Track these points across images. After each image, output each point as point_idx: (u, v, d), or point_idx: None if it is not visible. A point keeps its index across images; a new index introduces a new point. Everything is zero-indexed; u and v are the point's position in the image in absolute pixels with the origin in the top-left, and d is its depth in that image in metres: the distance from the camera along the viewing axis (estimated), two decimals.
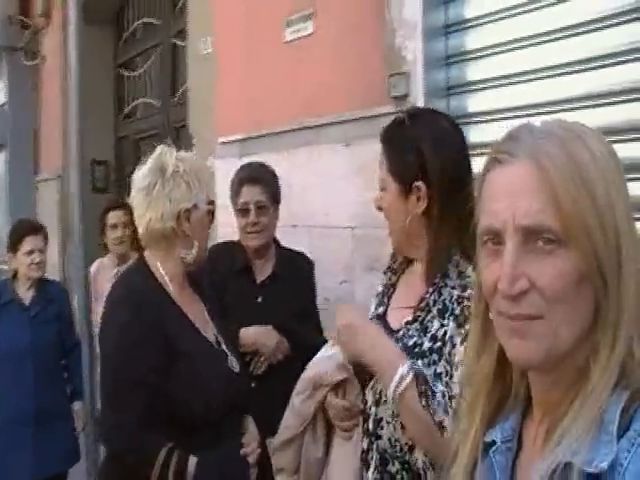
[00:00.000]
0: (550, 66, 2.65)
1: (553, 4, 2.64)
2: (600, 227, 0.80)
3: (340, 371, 1.62)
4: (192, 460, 1.85)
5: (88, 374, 2.87)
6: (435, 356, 1.50)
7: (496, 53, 2.90)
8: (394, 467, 1.51)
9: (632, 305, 0.81)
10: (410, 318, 1.62)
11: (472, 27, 3.02)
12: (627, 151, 2.27)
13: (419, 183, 1.60)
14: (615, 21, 2.41)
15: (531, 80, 2.74)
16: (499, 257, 0.83)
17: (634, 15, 2.35)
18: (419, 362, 1.51)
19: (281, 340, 2.61)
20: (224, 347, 2.08)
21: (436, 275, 1.59)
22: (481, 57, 2.98)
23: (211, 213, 2.13)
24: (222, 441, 1.93)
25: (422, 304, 1.60)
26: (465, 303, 1.51)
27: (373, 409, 1.53)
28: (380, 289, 1.84)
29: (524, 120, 0.92)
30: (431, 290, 1.59)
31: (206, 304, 2.17)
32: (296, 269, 2.81)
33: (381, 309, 1.75)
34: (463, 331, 1.48)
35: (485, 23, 2.95)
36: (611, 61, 2.43)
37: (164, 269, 2.00)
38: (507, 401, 0.95)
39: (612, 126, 2.35)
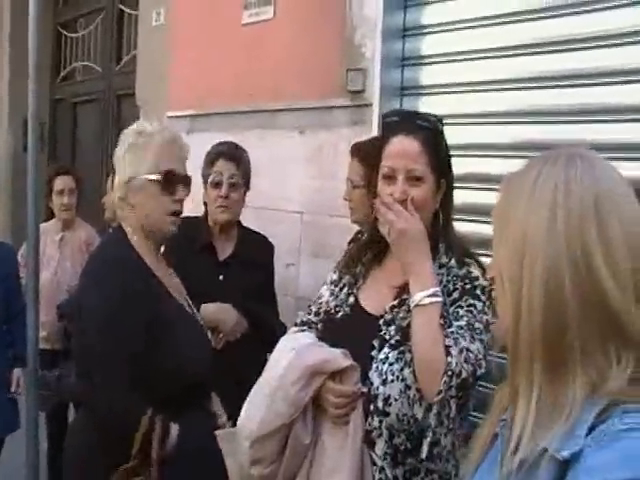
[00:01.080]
0: (498, 80, 2.86)
1: (505, 23, 2.85)
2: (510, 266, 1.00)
3: (345, 358, 1.68)
4: (174, 427, 1.92)
5: (33, 339, 2.87)
6: None
7: (449, 60, 3.08)
8: (399, 439, 1.65)
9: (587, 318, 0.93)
10: (395, 302, 1.73)
11: (428, 33, 3.19)
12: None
13: (443, 180, 1.75)
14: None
15: (479, 91, 2.95)
16: None
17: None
18: None
19: (240, 318, 2.66)
20: (198, 317, 2.15)
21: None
22: (435, 62, 3.16)
23: (166, 183, 2.01)
24: (198, 410, 2.02)
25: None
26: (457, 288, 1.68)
27: (381, 388, 1.63)
28: (334, 277, 1.90)
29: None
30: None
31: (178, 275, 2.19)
32: (257, 250, 2.82)
33: (352, 299, 1.83)
34: (451, 310, 1.66)
35: (441, 31, 3.13)
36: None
37: (137, 237, 2.04)
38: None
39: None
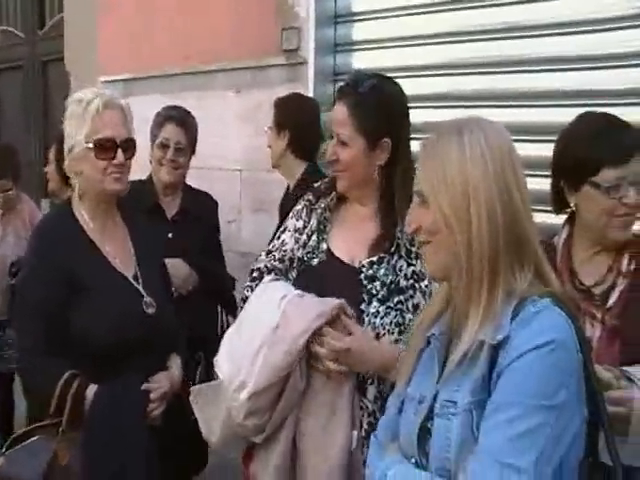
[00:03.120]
0: (430, 34, 3.02)
1: None
2: (447, 198, 1.24)
3: (345, 309, 1.71)
4: (92, 387, 1.94)
5: None
6: (411, 291, 1.77)
7: (380, 17, 3.21)
8: (389, 384, 1.70)
9: (486, 251, 1.22)
10: (375, 259, 1.81)
11: None
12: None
13: (387, 139, 1.81)
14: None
15: (411, 45, 3.09)
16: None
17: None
18: (400, 297, 1.76)
19: (190, 272, 2.76)
20: (140, 286, 2.12)
21: (394, 220, 1.82)
22: (366, 19, 3.28)
23: (101, 149, 2.00)
24: (126, 375, 2.00)
25: (385, 246, 1.81)
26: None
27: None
28: (298, 224, 1.94)
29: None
30: (396, 233, 1.80)
31: (134, 241, 2.18)
32: (203, 207, 2.94)
33: (324, 245, 1.87)
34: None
35: None
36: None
37: (83, 207, 2.09)
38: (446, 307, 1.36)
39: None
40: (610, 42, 2.53)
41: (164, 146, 2.80)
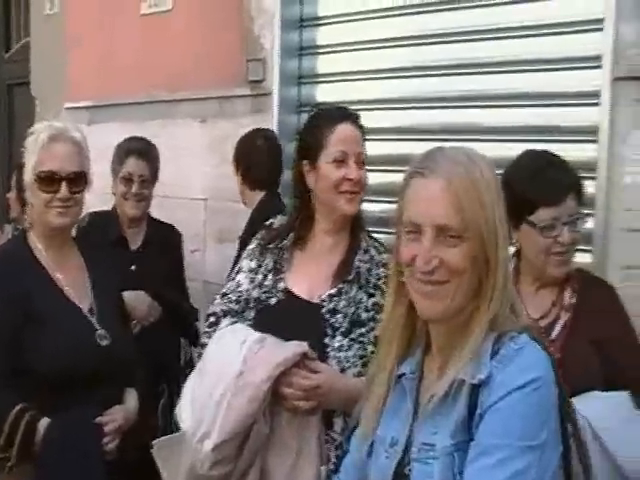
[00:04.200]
0: (390, 68, 3.07)
1: (396, 15, 3.05)
2: (486, 227, 1.17)
3: (307, 352, 1.71)
4: (43, 421, 1.91)
5: None
6: (372, 323, 1.77)
7: (345, 50, 3.25)
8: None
9: (501, 283, 1.18)
10: (333, 291, 1.81)
11: (324, 24, 3.36)
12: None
13: None
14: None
15: (373, 79, 3.14)
16: (417, 241, 1.20)
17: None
18: (362, 329, 1.77)
19: (153, 303, 2.75)
20: (94, 318, 2.09)
21: (355, 248, 1.84)
22: (331, 52, 3.33)
23: (44, 182, 2.00)
24: (80, 408, 1.96)
25: (345, 278, 1.82)
26: (382, 276, 1.77)
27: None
28: (252, 265, 1.92)
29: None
30: (353, 265, 1.82)
31: (91, 272, 2.17)
32: (167, 239, 2.96)
33: (281, 284, 1.86)
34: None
35: (336, 22, 3.31)
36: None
37: (37, 237, 2.07)
38: (413, 343, 1.30)
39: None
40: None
41: (128, 180, 2.80)
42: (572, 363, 1.62)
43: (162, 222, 3.02)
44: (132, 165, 2.80)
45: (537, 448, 1.10)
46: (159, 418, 2.72)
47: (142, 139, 2.94)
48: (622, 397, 1.65)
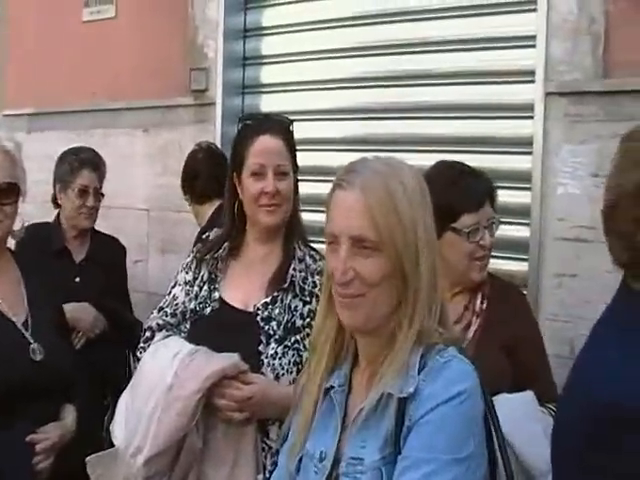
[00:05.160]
0: (333, 79, 3.10)
1: (338, 27, 3.08)
2: (403, 238, 1.16)
3: (238, 363, 1.70)
4: None
5: None
6: (307, 330, 1.76)
7: (288, 60, 3.27)
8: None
9: (425, 293, 1.18)
10: (268, 300, 1.81)
11: (268, 34, 3.37)
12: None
13: (295, 174, 1.87)
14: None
15: (316, 89, 3.17)
16: (336, 252, 1.20)
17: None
18: (297, 336, 1.77)
19: (97, 316, 2.72)
20: (28, 332, 2.04)
21: (290, 256, 1.83)
22: (274, 62, 3.34)
23: None
24: (12, 424, 1.89)
25: (280, 286, 1.81)
26: (318, 284, 1.78)
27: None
28: (188, 277, 1.91)
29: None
30: (287, 273, 1.81)
31: (28, 285, 2.10)
32: (110, 251, 2.94)
33: (216, 294, 1.85)
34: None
35: (279, 32, 3.32)
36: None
37: None
38: (342, 355, 1.30)
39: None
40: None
41: (83, 192, 2.76)
42: (482, 369, 1.66)
43: (106, 235, 2.99)
44: (87, 177, 2.76)
45: (464, 461, 1.11)
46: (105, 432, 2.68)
47: (91, 149, 2.89)
48: (528, 396, 1.72)
